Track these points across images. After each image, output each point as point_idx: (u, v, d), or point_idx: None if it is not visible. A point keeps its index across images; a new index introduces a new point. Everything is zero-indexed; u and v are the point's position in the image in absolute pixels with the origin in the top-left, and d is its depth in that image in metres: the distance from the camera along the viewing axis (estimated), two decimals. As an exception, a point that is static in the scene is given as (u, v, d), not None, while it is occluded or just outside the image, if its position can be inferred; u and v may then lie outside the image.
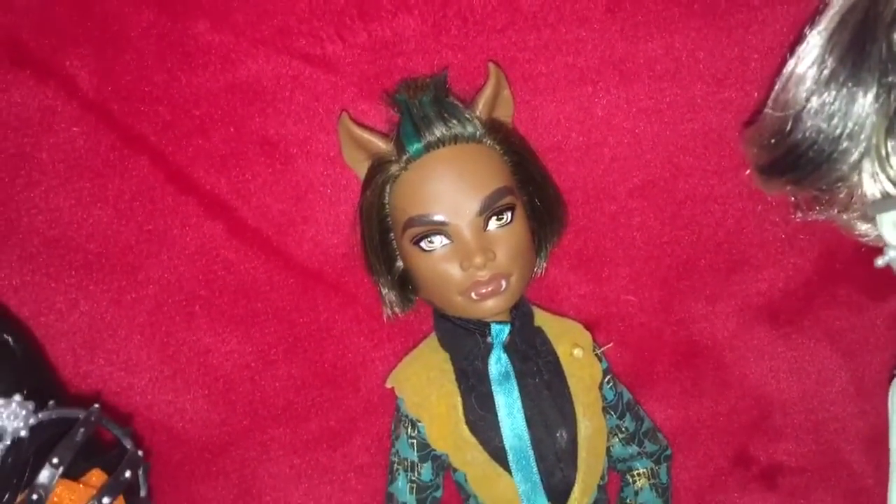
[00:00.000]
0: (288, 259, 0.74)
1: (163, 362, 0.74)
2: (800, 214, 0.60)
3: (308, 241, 0.74)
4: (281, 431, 0.76)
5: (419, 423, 0.67)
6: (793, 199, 0.59)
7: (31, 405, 0.56)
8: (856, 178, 0.52)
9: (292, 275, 0.74)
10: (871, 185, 0.51)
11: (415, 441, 0.68)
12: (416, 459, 0.68)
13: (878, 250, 0.57)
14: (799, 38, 0.54)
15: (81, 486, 0.58)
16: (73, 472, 0.57)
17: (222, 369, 0.75)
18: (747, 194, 0.74)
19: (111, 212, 0.72)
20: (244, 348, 0.75)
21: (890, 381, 0.69)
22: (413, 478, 0.68)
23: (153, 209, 0.72)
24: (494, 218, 0.64)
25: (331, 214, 0.73)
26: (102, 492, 0.57)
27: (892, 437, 0.66)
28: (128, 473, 0.59)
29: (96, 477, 0.59)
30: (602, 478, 0.69)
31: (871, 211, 0.52)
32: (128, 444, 0.60)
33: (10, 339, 0.60)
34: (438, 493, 0.70)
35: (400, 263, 0.68)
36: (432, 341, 0.70)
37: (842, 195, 0.54)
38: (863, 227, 0.58)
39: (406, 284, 0.69)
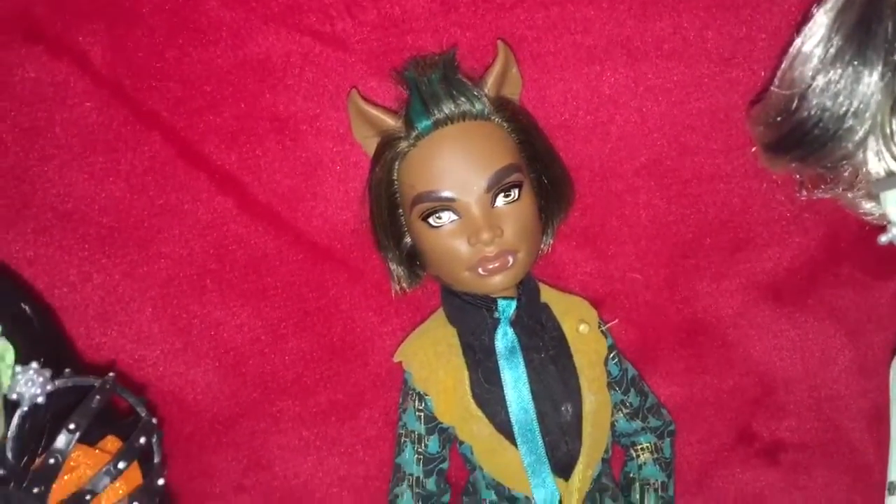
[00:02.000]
0: (297, 234, 0.74)
1: (174, 335, 0.75)
2: (805, 193, 0.60)
3: (317, 216, 0.74)
4: (290, 404, 0.77)
5: (426, 397, 0.68)
6: (798, 177, 0.59)
7: (47, 372, 0.56)
8: (861, 156, 0.52)
9: (302, 250, 0.75)
10: (876, 163, 0.51)
11: (422, 414, 0.69)
12: (423, 432, 0.69)
13: (882, 229, 0.57)
14: (806, 18, 0.54)
15: (97, 451, 0.59)
16: (88, 439, 0.58)
17: (233, 342, 0.75)
18: (753, 173, 0.74)
19: (123, 186, 0.72)
20: (254, 322, 0.75)
21: (892, 358, 0.70)
22: (420, 450, 0.69)
23: (165, 184, 0.72)
24: (502, 195, 0.64)
25: (340, 190, 0.73)
26: (117, 457, 0.58)
27: (892, 414, 0.66)
28: (142, 440, 0.59)
29: (111, 443, 0.59)
30: (606, 451, 0.70)
31: (875, 189, 0.53)
32: (142, 412, 0.61)
33: (27, 308, 0.61)
34: (445, 465, 0.70)
35: (408, 239, 0.68)
36: (440, 316, 0.71)
37: (847, 173, 0.54)
38: (867, 206, 0.59)
39: (414, 260, 0.70)
